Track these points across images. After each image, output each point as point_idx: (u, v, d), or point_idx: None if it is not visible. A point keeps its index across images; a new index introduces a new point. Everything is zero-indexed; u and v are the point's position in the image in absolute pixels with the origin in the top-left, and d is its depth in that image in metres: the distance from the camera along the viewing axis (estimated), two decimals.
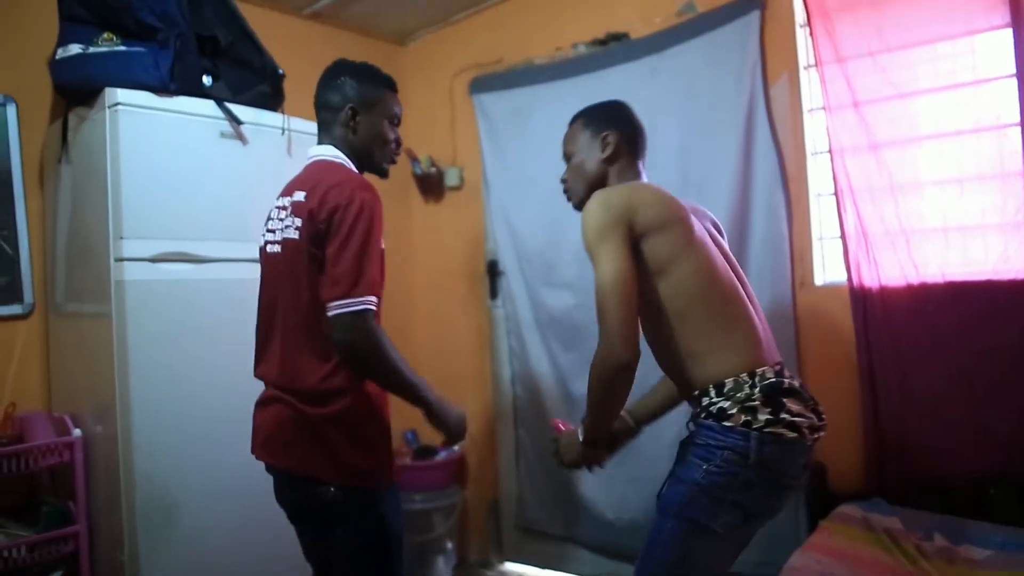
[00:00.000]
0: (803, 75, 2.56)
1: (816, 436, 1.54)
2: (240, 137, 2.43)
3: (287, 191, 1.73)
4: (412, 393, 1.67)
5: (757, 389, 1.50)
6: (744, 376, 1.52)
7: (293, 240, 1.64)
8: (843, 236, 2.37)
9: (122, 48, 2.27)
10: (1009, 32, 2.10)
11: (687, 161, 2.72)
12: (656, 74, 2.82)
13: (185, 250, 2.27)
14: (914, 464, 2.25)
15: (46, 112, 2.56)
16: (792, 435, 1.48)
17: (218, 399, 2.25)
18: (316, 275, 1.60)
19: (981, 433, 2.14)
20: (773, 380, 1.52)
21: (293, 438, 1.65)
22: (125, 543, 2.14)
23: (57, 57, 2.32)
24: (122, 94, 2.18)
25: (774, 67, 2.58)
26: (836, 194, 2.38)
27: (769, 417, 1.47)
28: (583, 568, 3.11)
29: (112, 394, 2.15)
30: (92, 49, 2.27)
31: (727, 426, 1.48)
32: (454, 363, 3.52)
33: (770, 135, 2.56)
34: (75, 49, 2.28)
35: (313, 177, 1.68)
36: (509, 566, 3.40)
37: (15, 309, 2.48)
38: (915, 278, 2.26)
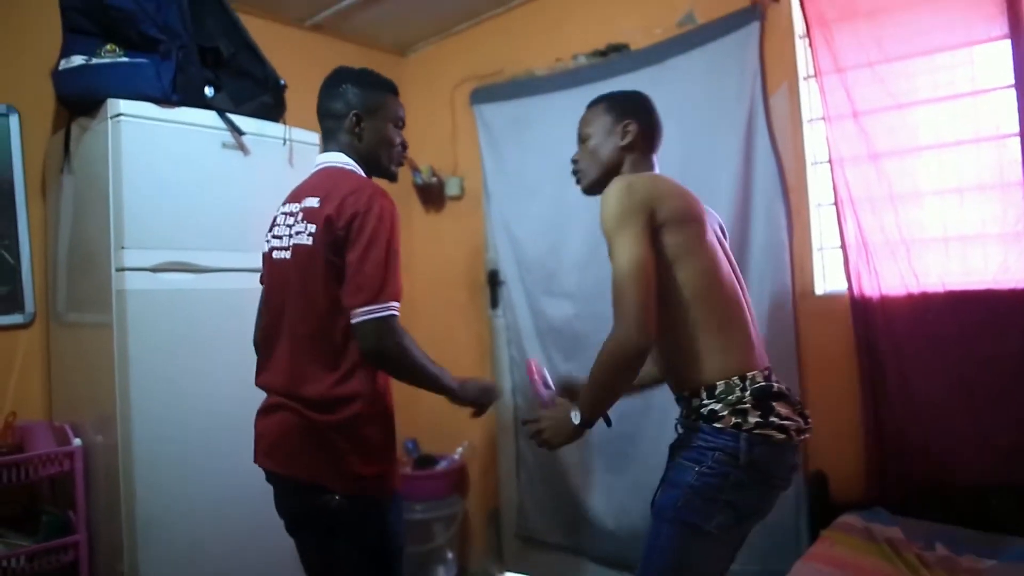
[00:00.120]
0: (803, 85, 2.57)
1: (802, 437, 1.57)
2: (242, 148, 2.44)
3: (295, 197, 1.72)
4: (437, 385, 1.70)
5: (748, 392, 1.52)
6: (735, 379, 1.54)
7: (306, 246, 1.62)
8: (843, 246, 2.37)
9: (125, 59, 2.28)
10: (1008, 43, 2.10)
11: (687, 171, 2.69)
12: (656, 85, 2.81)
13: (186, 260, 2.27)
14: (915, 473, 2.25)
15: (49, 122, 2.57)
16: (780, 436, 1.51)
17: (218, 409, 2.25)
18: (333, 281, 1.59)
19: (982, 442, 2.13)
20: (763, 384, 1.54)
21: (299, 446, 1.63)
22: (125, 553, 2.13)
23: (60, 68, 2.34)
24: (124, 105, 2.19)
25: (774, 78, 2.59)
26: (836, 204, 2.39)
27: (759, 420, 1.50)
28: None
29: (112, 403, 2.15)
30: (95, 60, 2.28)
31: (717, 428, 1.51)
32: (455, 372, 3.43)
33: (770, 145, 2.56)
34: (78, 60, 2.30)
35: (325, 183, 1.67)
36: None
37: (16, 318, 2.48)
38: (915, 287, 2.26)
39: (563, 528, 3.14)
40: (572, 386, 1.87)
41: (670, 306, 1.56)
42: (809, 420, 1.61)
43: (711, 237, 1.64)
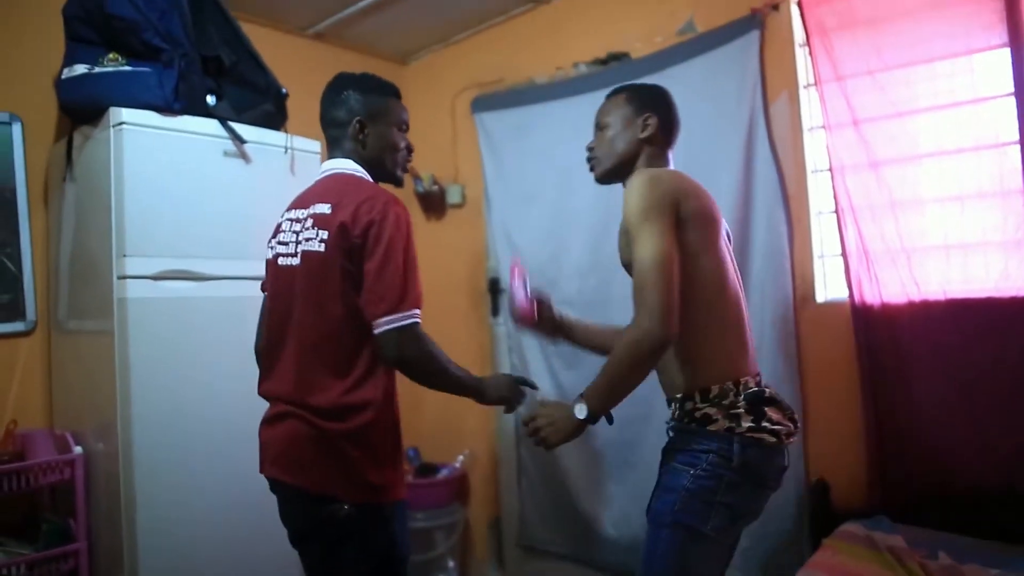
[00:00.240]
0: (803, 94, 2.57)
1: (791, 440, 1.59)
2: (243, 156, 2.44)
3: (302, 203, 1.70)
4: (461, 387, 1.69)
5: (741, 397, 1.54)
6: (729, 384, 1.55)
7: (318, 253, 1.60)
8: (844, 253, 2.37)
9: (127, 68, 2.29)
10: (1007, 52, 2.11)
11: None
12: None
13: (187, 268, 2.28)
14: (917, 481, 2.24)
15: (51, 131, 2.58)
16: (772, 440, 1.53)
17: (219, 417, 2.25)
18: (350, 289, 1.57)
19: (983, 450, 2.13)
20: (756, 390, 1.56)
21: (308, 454, 1.60)
22: (125, 561, 2.13)
23: (63, 77, 2.35)
24: (127, 113, 2.20)
25: (774, 86, 2.59)
26: (837, 212, 2.39)
27: (751, 424, 1.52)
28: None
29: (113, 411, 2.15)
30: (97, 69, 2.29)
31: (710, 430, 1.52)
32: None
33: (770, 153, 2.57)
34: (81, 69, 2.31)
35: (335, 190, 1.65)
36: None
37: (18, 326, 2.48)
38: (916, 295, 2.26)
39: (564, 537, 3.13)
40: (546, 304, 1.90)
41: (683, 304, 1.56)
42: (798, 424, 1.63)
43: (723, 240, 1.65)
